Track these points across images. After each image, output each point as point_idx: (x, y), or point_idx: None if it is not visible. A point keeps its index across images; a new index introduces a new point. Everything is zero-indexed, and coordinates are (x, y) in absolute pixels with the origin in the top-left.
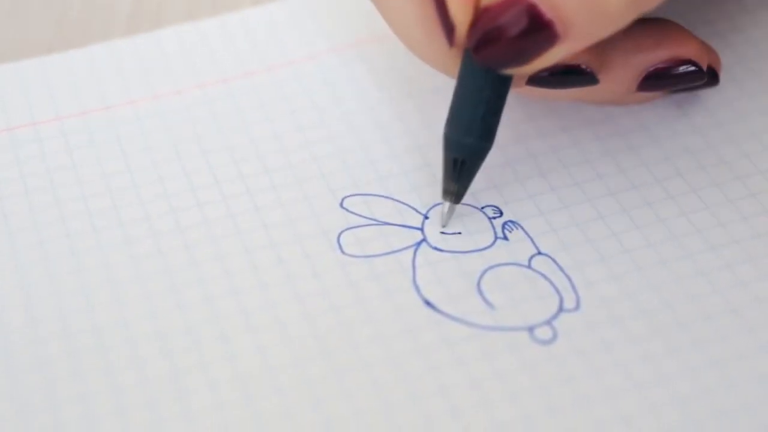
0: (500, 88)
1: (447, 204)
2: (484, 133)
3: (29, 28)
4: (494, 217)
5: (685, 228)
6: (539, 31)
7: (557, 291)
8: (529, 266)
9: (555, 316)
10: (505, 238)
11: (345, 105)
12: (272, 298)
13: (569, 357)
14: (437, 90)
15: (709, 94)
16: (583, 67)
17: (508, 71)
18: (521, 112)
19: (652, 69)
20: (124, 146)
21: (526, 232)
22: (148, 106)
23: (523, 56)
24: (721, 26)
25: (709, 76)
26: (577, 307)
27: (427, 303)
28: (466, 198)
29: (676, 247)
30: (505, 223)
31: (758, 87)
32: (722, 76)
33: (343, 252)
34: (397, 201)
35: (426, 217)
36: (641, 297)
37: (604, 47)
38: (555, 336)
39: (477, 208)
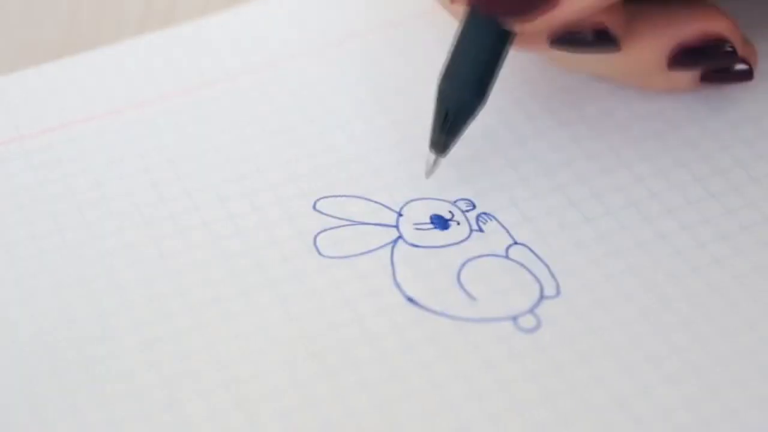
0: (500, 45)
1: (433, 156)
2: (479, 89)
3: (39, 29)
4: (468, 210)
5: (657, 209)
6: None
7: (537, 279)
8: (506, 256)
9: (537, 304)
10: (480, 230)
11: (308, 109)
12: (255, 303)
13: (555, 344)
14: (401, 90)
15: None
16: (607, 28)
17: (513, 24)
18: (487, 108)
19: (682, 44)
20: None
21: (501, 223)
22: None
23: (528, 7)
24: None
25: (745, 72)
26: (558, 293)
27: (410, 300)
28: (437, 193)
29: (650, 230)
30: (479, 216)
31: None
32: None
33: (321, 254)
34: (370, 200)
35: (400, 215)
36: (621, 280)
37: (634, 16)
38: (539, 324)
39: (449, 202)
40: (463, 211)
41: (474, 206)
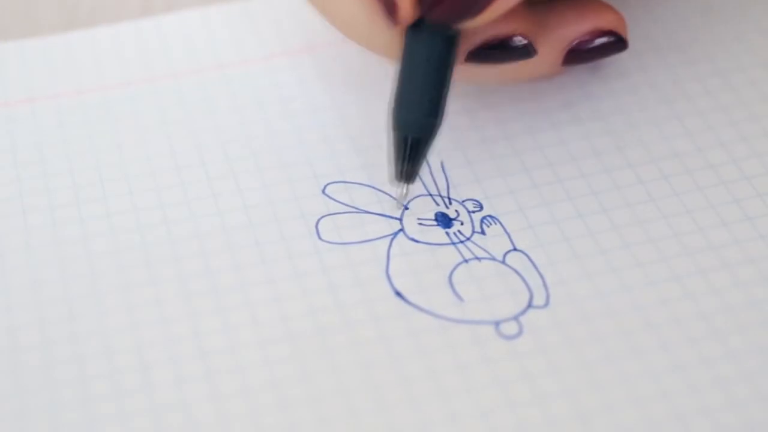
0: (446, 58)
1: (403, 185)
2: (433, 108)
3: (38, 29)
4: (474, 211)
5: (662, 231)
6: None
7: (528, 288)
8: (503, 262)
9: (522, 312)
10: (483, 232)
11: (337, 96)
12: (245, 279)
13: (532, 353)
14: None
15: (702, 101)
16: (523, 36)
17: (462, 25)
18: (512, 111)
19: (575, 42)
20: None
21: (504, 228)
22: (144, 87)
23: (474, 6)
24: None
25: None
26: (546, 304)
27: (397, 293)
28: (446, 191)
29: (652, 250)
30: (484, 218)
31: (755, 96)
32: (719, 84)
33: (320, 238)
34: (379, 190)
35: (406, 208)
36: (612, 297)
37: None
38: (520, 331)
39: (458, 201)
40: (469, 212)
41: (481, 207)
